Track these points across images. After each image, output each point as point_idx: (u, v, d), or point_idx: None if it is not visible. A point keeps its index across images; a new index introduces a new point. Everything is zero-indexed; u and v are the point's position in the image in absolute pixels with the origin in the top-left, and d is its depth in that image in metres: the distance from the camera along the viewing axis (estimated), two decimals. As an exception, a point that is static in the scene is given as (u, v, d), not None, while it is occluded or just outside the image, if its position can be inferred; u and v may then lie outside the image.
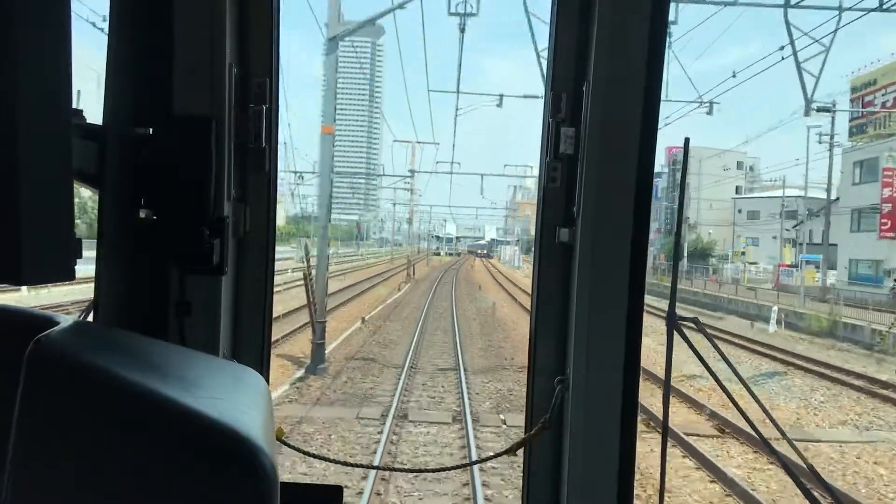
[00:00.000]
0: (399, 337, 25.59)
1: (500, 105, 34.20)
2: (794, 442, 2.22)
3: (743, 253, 71.94)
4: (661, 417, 2.51)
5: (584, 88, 1.93)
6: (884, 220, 51.67)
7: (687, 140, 2.67)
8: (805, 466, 2.15)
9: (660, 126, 1.95)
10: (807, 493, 1.83)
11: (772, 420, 2.09)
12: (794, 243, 73.07)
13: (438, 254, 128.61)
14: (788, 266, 62.78)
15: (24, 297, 21.02)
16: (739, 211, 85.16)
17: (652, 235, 78.55)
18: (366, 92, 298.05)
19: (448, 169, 62.69)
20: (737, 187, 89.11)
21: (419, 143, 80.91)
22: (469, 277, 68.22)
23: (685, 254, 74.64)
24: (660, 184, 78.98)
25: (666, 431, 2.14)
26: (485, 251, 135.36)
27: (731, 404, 2.31)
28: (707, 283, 61.10)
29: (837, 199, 57.06)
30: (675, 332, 1.96)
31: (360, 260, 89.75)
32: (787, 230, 75.09)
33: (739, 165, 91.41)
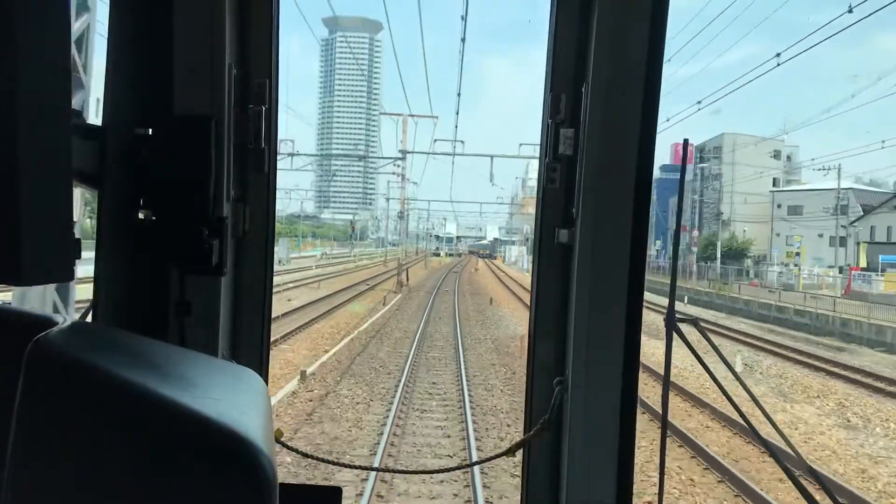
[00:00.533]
0: (357, 423, 13.86)
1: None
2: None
3: (797, 253, 61.28)
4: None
5: (583, 89, 1.95)
6: None
7: (686, 141, 2.88)
8: (800, 462, 2.32)
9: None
10: (801, 488, 1.94)
11: (769, 419, 2.13)
12: (843, 242, 63.42)
13: (438, 254, 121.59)
14: (863, 270, 51.83)
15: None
16: (779, 206, 75.98)
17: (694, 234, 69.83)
18: (364, 90, 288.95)
19: (449, 149, 49.71)
20: (774, 179, 79.30)
21: (412, 116, 62.88)
22: (474, 284, 56.88)
23: (718, 254, 66.37)
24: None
25: (665, 429, 2.18)
26: (487, 251, 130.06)
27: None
28: (749, 287, 50.88)
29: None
30: (675, 333, 2.03)
31: (352, 262, 79.55)
32: (843, 227, 65.26)
33: (777, 155, 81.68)
